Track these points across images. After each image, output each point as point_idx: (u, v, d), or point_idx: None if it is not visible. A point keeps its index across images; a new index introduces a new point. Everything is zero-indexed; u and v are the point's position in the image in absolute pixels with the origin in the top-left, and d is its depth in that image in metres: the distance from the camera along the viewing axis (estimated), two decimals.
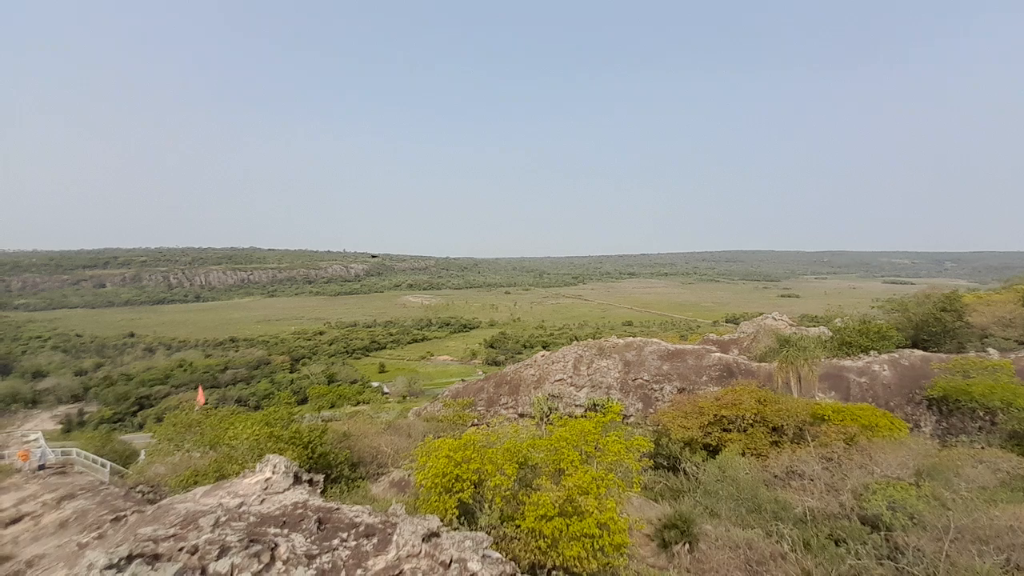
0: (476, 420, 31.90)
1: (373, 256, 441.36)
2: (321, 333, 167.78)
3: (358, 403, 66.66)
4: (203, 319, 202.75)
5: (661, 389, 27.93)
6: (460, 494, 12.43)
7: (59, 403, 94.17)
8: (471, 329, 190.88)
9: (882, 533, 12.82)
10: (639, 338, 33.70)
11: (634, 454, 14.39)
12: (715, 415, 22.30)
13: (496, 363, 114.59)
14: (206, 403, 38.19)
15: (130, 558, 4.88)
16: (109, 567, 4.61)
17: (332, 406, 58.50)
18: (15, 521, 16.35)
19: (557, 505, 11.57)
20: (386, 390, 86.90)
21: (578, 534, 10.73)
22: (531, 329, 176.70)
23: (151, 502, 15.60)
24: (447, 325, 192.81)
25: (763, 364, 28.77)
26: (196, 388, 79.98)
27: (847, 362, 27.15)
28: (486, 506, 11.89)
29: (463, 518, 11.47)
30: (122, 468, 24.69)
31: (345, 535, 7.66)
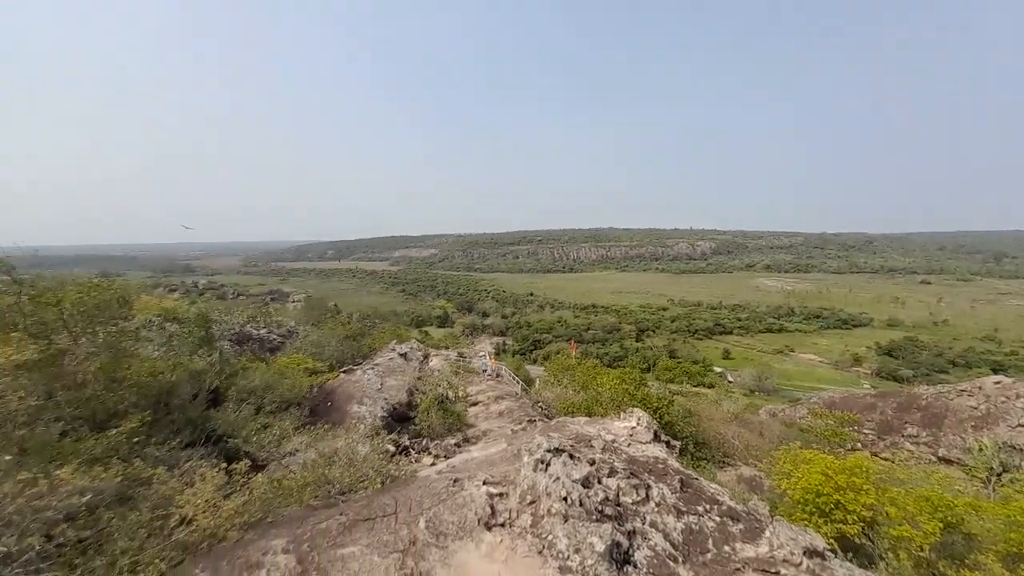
0: (860, 444, 24.87)
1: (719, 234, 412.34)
2: (664, 309, 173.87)
3: (698, 384, 65.75)
4: (573, 287, 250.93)
5: None
6: (843, 526, 10.19)
7: (493, 335, 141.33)
8: (855, 327, 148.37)
9: None
10: None
11: None
12: None
13: (896, 378, 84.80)
14: (576, 353, 47.60)
15: (558, 450, 6.67)
16: (548, 450, 6.48)
17: (672, 381, 60.25)
18: (474, 404, 25.60)
19: None
20: (730, 379, 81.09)
21: None
22: (968, 339, 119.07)
23: (547, 417, 21.05)
24: (816, 318, 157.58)
25: None
26: (569, 340, 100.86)
27: None
28: (889, 557, 9.17)
29: (848, 555, 9.32)
30: (526, 387, 34.29)
31: (708, 506, 7.76)
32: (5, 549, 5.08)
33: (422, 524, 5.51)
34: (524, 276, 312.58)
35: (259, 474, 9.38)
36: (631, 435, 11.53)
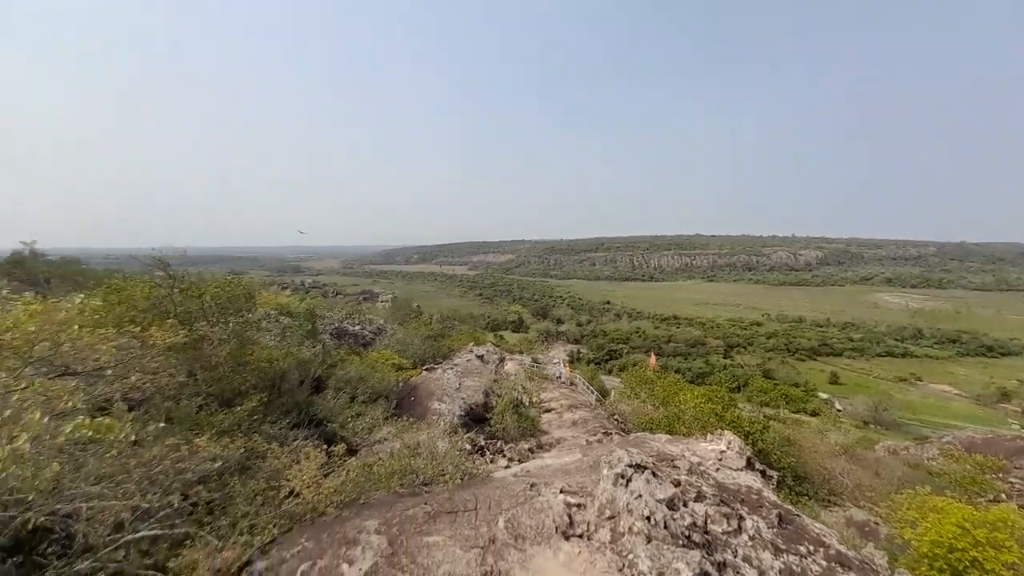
0: (1004, 494, 20.53)
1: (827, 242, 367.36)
2: (758, 324, 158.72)
3: (799, 410, 59.07)
4: (653, 296, 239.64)
5: None
6: None
7: (568, 342, 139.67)
8: (1003, 355, 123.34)
9: None
10: None
11: None
12: None
13: None
14: (655, 366, 45.28)
15: (639, 466, 6.36)
16: (630, 465, 6.22)
17: (767, 404, 54.80)
18: (547, 411, 25.39)
19: None
20: (838, 407, 71.60)
21: None
22: None
23: (623, 431, 20.25)
24: (952, 342, 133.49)
25: None
26: (647, 352, 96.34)
27: None
28: None
29: None
30: (601, 398, 33.32)
31: (812, 547, 6.89)
32: (147, 505, 5.94)
33: (501, 524, 5.59)
34: (601, 284, 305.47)
35: (352, 458, 10.20)
36: (720, 459, 10.66)
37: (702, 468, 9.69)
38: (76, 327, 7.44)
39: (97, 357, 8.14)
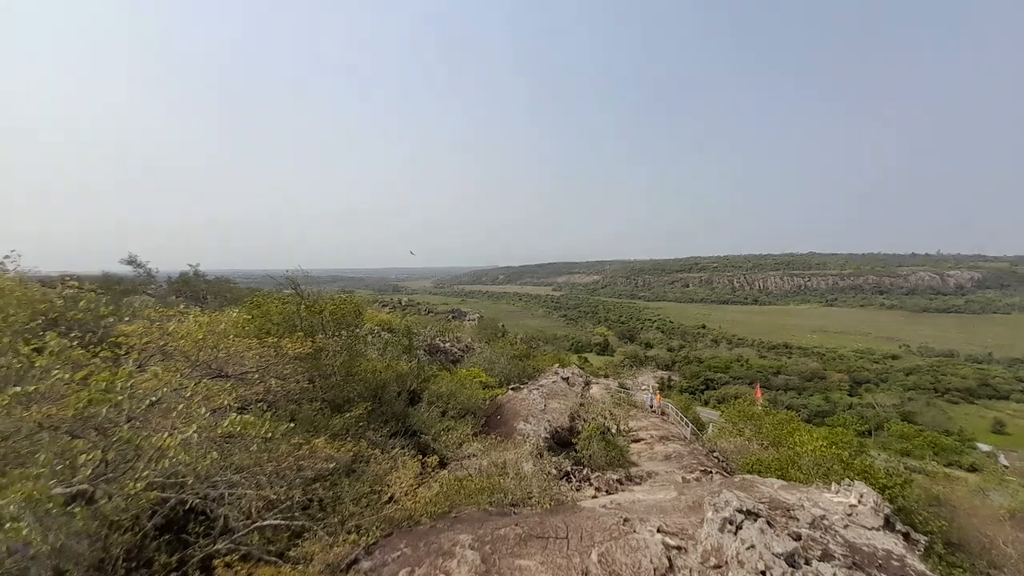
0: None
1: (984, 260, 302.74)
2: (894, 357, 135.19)
3: (950, 463, 48.69)
4: (758, 321, 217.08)
5: None
6: None
7: (657, 368, 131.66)
8: None
9: None
10: None
11: None
12: None
13: None
14: (762, 400, 40.59)
15: (751, 513, 5.72)
16: (739, 510, 5.62)
17: (908, 453, 46.00)
18: (636, 441, 23.96)
19: None
20: (1004, 461, 57.53)
21: None
22: None
23: (726, 471, 18.37)
24: None
25: None
26: (750, 383, 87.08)
27: None
28: None
29: None
30: (697, 431, 30.66)
31: None
32: (274, 496, 6.70)
33: (594, 557, 5.37)
34: (695, 306, 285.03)
35: (444, 470, 10.62)
36: (849, 515, 9.15)
37: (826, 523, 8.39)
38: (232, 336, 8.83)
39: (243, 363, 9.59)
